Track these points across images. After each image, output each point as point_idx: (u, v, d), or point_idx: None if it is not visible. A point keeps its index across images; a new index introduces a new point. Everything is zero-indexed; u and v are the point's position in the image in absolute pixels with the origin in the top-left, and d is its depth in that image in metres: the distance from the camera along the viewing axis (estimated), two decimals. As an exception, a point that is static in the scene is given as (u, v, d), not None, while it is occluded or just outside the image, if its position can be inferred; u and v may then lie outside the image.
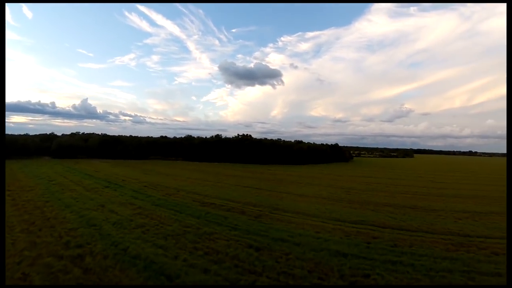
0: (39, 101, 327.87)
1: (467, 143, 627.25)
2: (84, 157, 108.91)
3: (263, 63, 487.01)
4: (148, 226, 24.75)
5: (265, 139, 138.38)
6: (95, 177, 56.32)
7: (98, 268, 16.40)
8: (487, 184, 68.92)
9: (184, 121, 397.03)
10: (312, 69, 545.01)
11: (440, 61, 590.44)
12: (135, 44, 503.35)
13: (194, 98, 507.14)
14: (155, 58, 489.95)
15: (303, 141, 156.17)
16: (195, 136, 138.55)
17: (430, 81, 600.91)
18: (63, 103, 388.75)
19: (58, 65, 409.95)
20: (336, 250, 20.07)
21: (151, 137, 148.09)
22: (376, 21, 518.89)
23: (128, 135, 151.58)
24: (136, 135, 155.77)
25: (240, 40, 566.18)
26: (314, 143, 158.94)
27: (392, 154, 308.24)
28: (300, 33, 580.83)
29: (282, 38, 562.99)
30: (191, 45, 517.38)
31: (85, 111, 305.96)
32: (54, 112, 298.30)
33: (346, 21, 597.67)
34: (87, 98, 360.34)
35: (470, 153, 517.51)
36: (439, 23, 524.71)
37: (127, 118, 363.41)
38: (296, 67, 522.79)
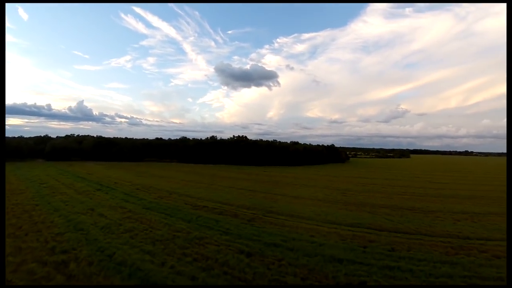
0: (35, 103, 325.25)
1: (463, 143, 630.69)
2: (78, 160, 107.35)
3: (259, 65, 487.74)
4: (136, 231, 23.98)
5: (261, 140, 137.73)
6: (88, 179, 55.36)
7: (81, 275, 15.82)
8: (484, 184, 68.52)
9: (180, 123, 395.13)
10: (308, 70, 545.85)
11: (435, 62, 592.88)
12: (131, 46, 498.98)
13: (190, 99, 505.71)
14: (151, 60, 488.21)
15: (300, 142, 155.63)
16: (191, 138, 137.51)
17: (425, 81, 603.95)
18: (59, 105, 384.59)
19: (54, 67, 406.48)
20: (331, 255, 19.19)
21: (146, 139, 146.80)
22: (372, 22, 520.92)
23: (123, 137, 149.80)
24: (132, 137, 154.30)
25: (236, 42, 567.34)
26: (310, 144, 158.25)
27: (389, 154, 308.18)
28: (296, 34, 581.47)
29: (278, 40, 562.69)
30: (187, 47, 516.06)
31: (81, 113, 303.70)
32: (50, 115, 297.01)
33: (341, 22, 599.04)
34: (83, 100, 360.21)
35: (466, 153, 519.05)
36: (434, 23, 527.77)
37: (123, 120, 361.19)
38: (292, 69, 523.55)
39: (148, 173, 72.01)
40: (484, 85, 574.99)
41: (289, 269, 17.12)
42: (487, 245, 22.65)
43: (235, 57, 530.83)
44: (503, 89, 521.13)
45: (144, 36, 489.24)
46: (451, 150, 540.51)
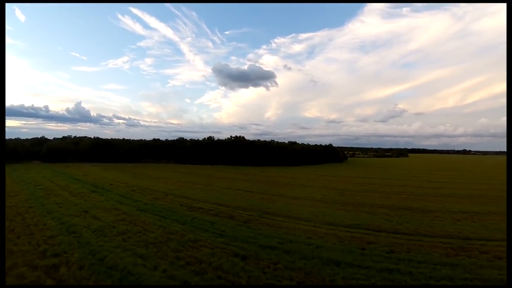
0: (32, 105, 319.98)
1: (461, 142, 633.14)
2: (75, 161, 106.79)
3: (257, 65, 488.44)
4: (130, 233, 23.47)
5: (258, 140, 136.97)
6: (83, 181, 54.79)
7: (72, 279, 15.49)
8: (483, 182, 68.19)
9: (178, 124, 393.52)
10: (306, 70, 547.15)
11: (432, 61, 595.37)
12: (129, 47, 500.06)
13: (188, 100, 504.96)
14: (148, 60, 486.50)
15: (298, 142, 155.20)
16: (188, 139, 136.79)
17: (423, 81, 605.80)
18: (57, 107, 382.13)
19: (51, 69, 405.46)
20: (329, 258, 18.65)
21: (144, 140, 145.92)
22: (369, 22, 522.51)
23: (121, 138, 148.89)
24: (130, 138, 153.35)
25: (234, 42, 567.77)
26: (308, 144, 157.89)
27: (386, 154, 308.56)
28: (293, 34, 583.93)
29: (275, 40, 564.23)
30: (184, 48, 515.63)
31: (79, 115, 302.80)
32: (48, 116, 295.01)
33: (339, 22, 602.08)
34: (80, 102, 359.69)
35: (464, 152, 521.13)
36: (432, 23, 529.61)
37: (121, 121, 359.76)
38: (289, 69, 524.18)
39: (145, 174, 71.37)
40: (481, 84, 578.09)
41: (285, 273, 16.58)
42: (487, 245, 22.16)
43: (233, 58, 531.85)
44: (500, 88, 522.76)
45: (142, 37, 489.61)
46: (449, 149, 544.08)
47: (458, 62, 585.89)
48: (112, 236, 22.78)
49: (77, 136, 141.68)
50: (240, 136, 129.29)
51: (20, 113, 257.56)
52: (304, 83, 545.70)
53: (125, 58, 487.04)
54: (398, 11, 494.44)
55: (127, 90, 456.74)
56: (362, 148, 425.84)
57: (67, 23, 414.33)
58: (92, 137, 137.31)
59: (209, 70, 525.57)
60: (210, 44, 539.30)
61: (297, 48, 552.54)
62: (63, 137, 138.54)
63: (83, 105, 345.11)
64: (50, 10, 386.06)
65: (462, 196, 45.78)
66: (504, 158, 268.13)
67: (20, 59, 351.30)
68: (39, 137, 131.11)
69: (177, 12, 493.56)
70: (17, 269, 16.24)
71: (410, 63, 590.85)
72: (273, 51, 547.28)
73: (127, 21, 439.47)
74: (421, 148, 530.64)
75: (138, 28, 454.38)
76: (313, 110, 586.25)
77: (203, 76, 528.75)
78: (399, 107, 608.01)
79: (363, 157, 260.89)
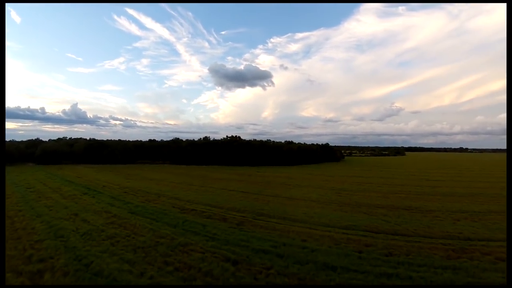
0: (29, 106, 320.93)
1: (458, 139, 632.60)
2: (69, 163, 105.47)
3: (253, 65, 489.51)
4: (118, 237, 22.72)
5: (254, 140, 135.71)
6: (76, 183, 53.87)
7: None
8: (481, 181, 67.43)
9: (175, 124, 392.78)
10: (302, 69, 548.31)
11: (429, 60, 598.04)
12: (125, 48, 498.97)
13: (184, 101, 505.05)
14: (144, 61, 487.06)
15: (295, 141, 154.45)
16: (184, 139, 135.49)
17: (419, 79, 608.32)
18: (53, 109, 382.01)
19: (47, 70, 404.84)
20: (324, 263, 17.73)
21: (140, 141, 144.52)
22: (365, 21, 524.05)
23: (117, 140, 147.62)
24: (127, 139, 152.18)
25: (230, 42, 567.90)
26: (304, 143, 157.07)
27: (384, 152, 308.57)
28: (289, 34, 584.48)
29: (271, 40, 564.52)
30: (180, 48, 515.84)
31: (75, 116, 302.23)
32: (44, 118, 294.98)
33: (335, 22, 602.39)
34: (77, 103, 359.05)
35: (461, 150, 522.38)
36: (428, 22, 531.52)
37: (117, 122, 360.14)
38: (286, 68, 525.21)
39: (139, 175, 70.19)
40: (477, 82, 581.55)
41: (278, 279, 15.74)
42: (489, 246, 21.35)
43: (229, 58, 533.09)
44: (496, 85, 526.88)
45: (138, 38, 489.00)
46: (446, 147, 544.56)
47: (454, 60, 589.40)
48: (100, 240, 22.15)
49: (74, 137, 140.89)
50: (236, 136, 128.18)
51: (17, 115, 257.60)
52: (301, 83, 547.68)
53: (121, 59, 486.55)
54: (394, 10, 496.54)
55: (124, 91, 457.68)
56: (359, 147, 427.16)
57: (62, 24, 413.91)
58: (88, 138, 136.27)
59: (205, 70, 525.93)
60: (206, 44, 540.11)
61: (294, 47, 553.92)
62: (58, 138, 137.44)
63: (79, 106, 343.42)
64: (45, 12, 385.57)
65: (461, 195, 45.03)
66: (501, 156, 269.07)
67: (16, 61, 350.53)
68: (33, 139, 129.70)
69: (173, 12, 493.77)
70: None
71: (406, 61, 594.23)
72: (270, 51, 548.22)
73: (123, 22, 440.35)
74: (418, 146, 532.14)
75: (134, 29, 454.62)
76: (310, 110, 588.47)
77: (199, 76, 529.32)
78: (396, 106, 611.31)
79: (360, 156, 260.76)
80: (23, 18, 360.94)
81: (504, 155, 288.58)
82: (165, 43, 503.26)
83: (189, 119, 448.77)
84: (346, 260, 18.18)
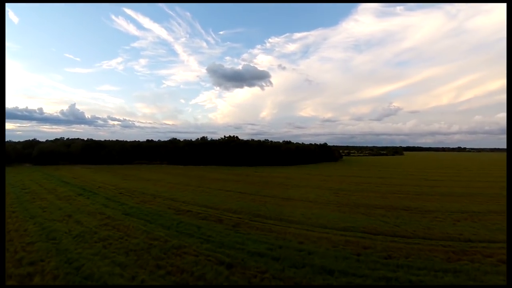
0: (27, 107, 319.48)
1: (456, 139, 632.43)
2: (66, 163, 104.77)
3: (251, 65, 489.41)
4: (111, 240, 22.24)
5: (252, 140, 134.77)
6: (71, 184, 53.37)
7: None
8: (480, 180, 67.03)
9: (173, 125, 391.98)
10: (300, 69, 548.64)
11: (427, 59, 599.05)
12: (123, 48, 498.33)
13: (182, 101, 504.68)
14: (142, 61, 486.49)
15: (293, 141, 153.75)
16: (182, 140, 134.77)
17: (417, 79, 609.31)
18: (51, 109, 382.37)
19: (45, 71, 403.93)
20: (321, 266, 17.19)
21: (137, 141, 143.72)
22: (363, 21, 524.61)
23: (114, 140, 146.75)
24: (125, 139, 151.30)
25: (228, 42, 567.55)
26: (303, 143, 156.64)
27: (382, 152, 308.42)
28: (287, 34, 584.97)
29: (269, 40, 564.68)
30: (178, 48, 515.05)
31: (73, 117, 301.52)
32: (42, 118, 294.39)
33: (333, 22, 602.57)
34: (75, 103, 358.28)
35: (459, 149, 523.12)
36: (426, 22, 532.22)
37: (115, 122, 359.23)
38: (284, 68, 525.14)
39: (136, 176, 69.52)
40: (475, 82, 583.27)
41: (273, 283, 15.29)
42: (490, 248, 20.88)
43: (227, 58, 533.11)
44: (494, 85, 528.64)
45: (136, 38, 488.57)
46: (444, 147, 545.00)
47: (452, 60, 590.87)
48: (92, 242, 21.68)
49: (73, 138, 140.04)
50: (233, 136, 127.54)
51: (15, 115, 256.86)
52: (299, 83, 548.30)
53: (119, 59, 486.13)
54: (392, 10, 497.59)
55: (122, 91, 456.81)
56: (357, 146, 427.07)
57: (60, 25, 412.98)
58: (86, 138, 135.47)
59: (203, 70, 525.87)
60: (204, 44, 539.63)
61: (292, 47, 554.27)
62: (55, 139, 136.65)
63: (77, 106, 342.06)
64: (43, 12, 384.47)
65: (460, 195, 44.55)
66: (499, 155, 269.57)
67: (14, 61, 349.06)
68: (30, 139, 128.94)
69: (171, 12, 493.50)
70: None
71: (404, 61, 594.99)
72: (268, 51, 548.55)
73: (121, 22, 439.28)
74: (416, 146, 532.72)
75: (131, 29, 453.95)
76: (308, 110, 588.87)
77: (197, 76, 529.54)
78: (394, 106, 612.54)
79: (358, 155, 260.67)
80: (21, 18, 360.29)
81: (502, 154, 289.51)
82: (163, 43, 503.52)
83: (187, 119, 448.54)
84: (344, 263, 17.65)
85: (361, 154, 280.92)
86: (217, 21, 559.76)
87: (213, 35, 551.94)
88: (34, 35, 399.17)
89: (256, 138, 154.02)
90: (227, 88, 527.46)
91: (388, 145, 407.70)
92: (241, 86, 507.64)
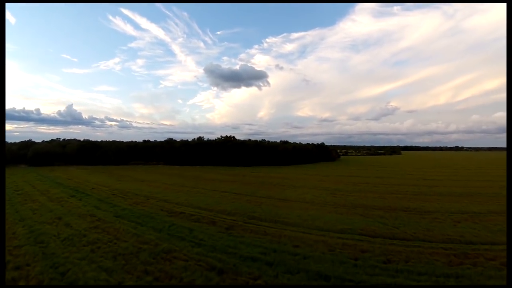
0: (24, 108, 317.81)
1: (453, 138, 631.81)
2: (62, 164, 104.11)
3: (249, 65, 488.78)
4: (100, 243, 21.64)
5: (249, 140, 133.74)
6: (65, 185, 52.84)
7: None
8: (479, 179, 66.37)
9: (170, 125, 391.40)
10: (298, 69, 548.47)
11: (424, 59, 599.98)
12: (120, 48, 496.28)
13: (180, 101, 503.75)
14: (140, 62, 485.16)
15: (290, 141, 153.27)
16: (178, 140, 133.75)
17: (414, 78, 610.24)
18: (48, 110, 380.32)
19: (42, 71, 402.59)
20: (317, 271, 16.36)
21: (134, 141, 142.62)
22: (360, 21, 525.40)
23: (111, 140, 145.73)
24: (122, 140, 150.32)
25: (225, 42, 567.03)
26: (300, 143, 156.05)
27: (380, 151, 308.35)
28: (285, 34, 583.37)
29: (267, 40, 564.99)
30: (176, 48, 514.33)
31: (71, 117, 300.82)
32: (39, 119, 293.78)
33: (330, 22, 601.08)
34: (72, 104, 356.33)
35: (456, 149, 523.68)
36: (423, 21, 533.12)
37: (113, 123, 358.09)
38: (281, 68, 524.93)
39: (130, 177, 68.67)
40: (472, 81, 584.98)
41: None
42: (493, 250, 20.10)
43: (225, 58, 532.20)
44: (491, 85, 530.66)
45: (133, 38, 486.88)
46: (441, 146, 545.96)
47: (449, 60, 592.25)
48: (80, 246, 21.11)
49: (65, 138, 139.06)
50: (230, 136, 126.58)
51: (12, 116, 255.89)
52: (296, 83, 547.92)
53: (117, 60, 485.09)
54: (389, 10, 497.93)
55: (119, 91, 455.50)
56: (355, 146, 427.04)
57: (57, 25, 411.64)
58: (82, 139, 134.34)
59: (201, 70, 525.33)
60: (201, 44, 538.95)
61: (289, 47, 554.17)
62: (51, 140, 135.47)
63: (74, 107, 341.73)
64: (40, 12, 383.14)
65: (459, 195, 43.83)
66: (496, 154, 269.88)
67: (11, 62, 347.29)
68: (26, 140, 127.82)
69: (168, 12, 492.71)
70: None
71: (401, 61, 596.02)
72: (265, 51, 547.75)
73: (118, 22, 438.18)
74: (413, 145, 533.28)
75: (129, 29, 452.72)
76: (306, 109, 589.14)
77: (195, 76, 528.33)
78: (391, 105, 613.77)
79: (356, 155, 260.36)
80: (18, 18, 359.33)
81: (500, 153, 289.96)
82: (161, 43, 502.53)
83: (185, 120, 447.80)
84: (341, 269, 16.80)
85: (359, 154, 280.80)
86: (214, 21, 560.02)
87: (211, 35, 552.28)
88: (31, 36, 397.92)
89: (253, 138, 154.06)
90: (224, 88, 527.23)
91: (386, 145, 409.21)
92: (239, 86, 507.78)
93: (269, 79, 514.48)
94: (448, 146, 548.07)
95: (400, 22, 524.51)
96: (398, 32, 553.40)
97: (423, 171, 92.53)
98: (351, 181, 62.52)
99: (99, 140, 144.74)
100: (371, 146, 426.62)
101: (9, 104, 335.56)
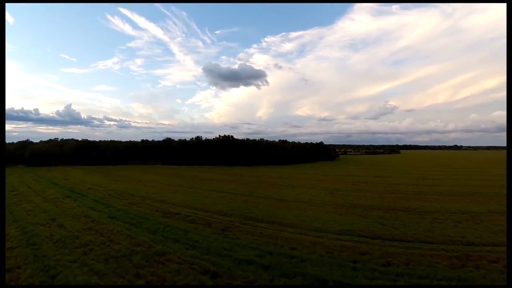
0: (22, 108, 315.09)
1: (452, 137, 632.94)
2: (59, 164, 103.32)
3: (248, 64, 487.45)
4: (92, 245, 21.17)
5: (247, 139, 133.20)
6: (61, 185, 52.33)
7: None
8: (478, 179, 66.00)
9: (169, 125, 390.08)
10: (297, 68, 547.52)
11: (422, 58, 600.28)
12: (118, 48, 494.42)
13: (179, 100, 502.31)
14: (138, 61, 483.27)
15: (289, 140, 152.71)
16: (177, 139, 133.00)
17: (413, 77, 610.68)
18: (47, 110, 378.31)
19: (40, 71, 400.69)
20: (314, 275, 15.80)
21: (132, 141, 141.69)
22: (359, 20, 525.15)
23: (109, 140, 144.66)
24: (121, 140, 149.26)
25: (224, 42, 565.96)
26: (299, 142, 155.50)
27: (378, 150, 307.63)
28: (283, 33, 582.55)
29: (266, 39, 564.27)
30: (174, 48, 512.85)
31: (69, 117, 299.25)
32: (38, 119, 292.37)
33: (329, 21, 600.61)
34: (71, 104, 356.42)
35: (455, 147, 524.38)
36: (421, 20, 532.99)
37: (112, 123, 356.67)
38: (280, 67, 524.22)
39: (128, 177, 68.09)
40: (471, 80, 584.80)
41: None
42: (495, 251, 19.60)
43: (223, 57, 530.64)
44: (489, 83, 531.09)
45: (131, 38, 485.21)
46: (440, 145, 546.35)
47: (448, 59, 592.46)
48: (72, 248, 20.69)
49: (66, 138, 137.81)
50: (228, 135, 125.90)
51: (11, 116, 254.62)
52: (295, 82, 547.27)
53: (115, 59, 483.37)
54: (388, 9, 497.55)
55: (118, 91, 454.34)
56: (354, 145, 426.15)
57: (55, 25, 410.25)
58: (80, 139, 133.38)
59: (199, 70, 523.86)
60: (200, 44, 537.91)
61: (288, 46, 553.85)
62: (49, 140, 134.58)
63: (73, 107, 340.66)
64: (38, 12, 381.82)
65: (459, 194, 43.39)
66: (495, 153, 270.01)
67: (9, 62, 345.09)
68: (23, 140, 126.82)
69: (166, 12, 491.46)
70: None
71: (400, 60, 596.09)
72: (264, 50, 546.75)
73: (117, 22, 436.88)
74: (412, 144, 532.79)
75: (127, 29, 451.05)
76: (305, 109, 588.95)
77: (193, 76, 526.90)
78: (390, 104, 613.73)
79: (355, 154, 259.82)
80: (16, 18, 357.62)
81: (499, 152, 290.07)
82: (159, 42, 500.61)
83: (184, 119, 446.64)
84: (339, 272, 16.25)
85: (358, 153, 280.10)
86: (213, 21, 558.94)
87: (209, 35, 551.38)
88: (30, 36, 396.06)
89: (252, 137, 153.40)
90: (223, 88, 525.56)
91: (385, 144, 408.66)
92: (237, 86, 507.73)
93: (267, 78, 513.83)
94: (447, 145, 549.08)
95: (398, 21, 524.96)
96: (396, 31, 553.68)
97: (423, 170, 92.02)
98: (350, 181, 62.01)
99: (97, 140, 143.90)
100: (370, 145, 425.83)
101: (7, 104, 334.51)
